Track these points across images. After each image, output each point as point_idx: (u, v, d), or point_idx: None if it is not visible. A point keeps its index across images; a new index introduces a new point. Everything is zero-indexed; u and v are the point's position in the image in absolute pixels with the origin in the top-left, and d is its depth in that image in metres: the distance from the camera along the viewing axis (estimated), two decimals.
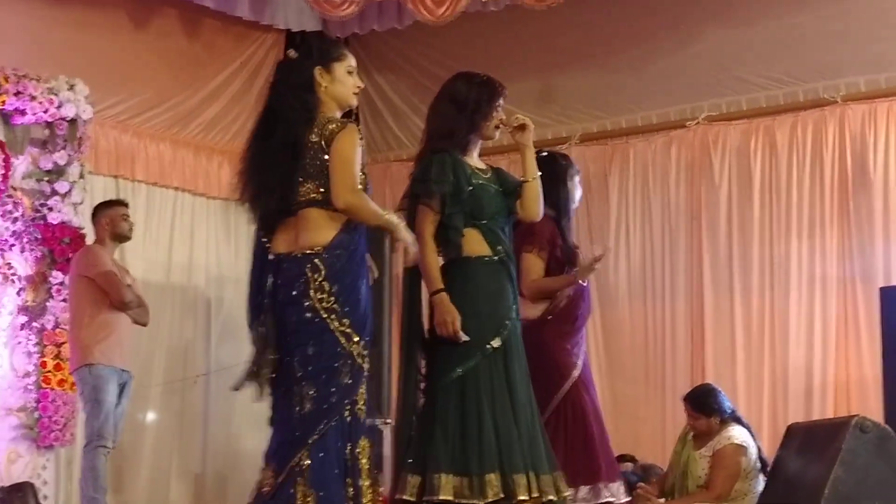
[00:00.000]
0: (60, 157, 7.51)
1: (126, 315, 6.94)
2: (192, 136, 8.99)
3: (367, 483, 4.39)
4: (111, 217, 7.07)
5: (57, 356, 7.30)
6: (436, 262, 4.85)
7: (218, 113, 9.13)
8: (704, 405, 6.47)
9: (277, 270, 4.39)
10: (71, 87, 7.59)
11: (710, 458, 6.36)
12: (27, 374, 7.32)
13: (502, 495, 4.63)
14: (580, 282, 5.89)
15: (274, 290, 4.37)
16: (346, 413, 4.33)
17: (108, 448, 6.77)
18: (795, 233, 8.04)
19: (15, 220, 7.40)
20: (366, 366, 4.38)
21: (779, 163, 8.18)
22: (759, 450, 6.41)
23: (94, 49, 8.32)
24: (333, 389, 4.30)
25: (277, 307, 4.37)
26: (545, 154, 6.30)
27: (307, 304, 4.29)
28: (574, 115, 9.03)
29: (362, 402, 4.41)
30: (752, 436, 6.43)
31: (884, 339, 7.10)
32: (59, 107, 7.49)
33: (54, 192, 7.48)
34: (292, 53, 4.58)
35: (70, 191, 7.54)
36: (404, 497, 4.70)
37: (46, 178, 7.51)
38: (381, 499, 4.52)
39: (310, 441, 4.26)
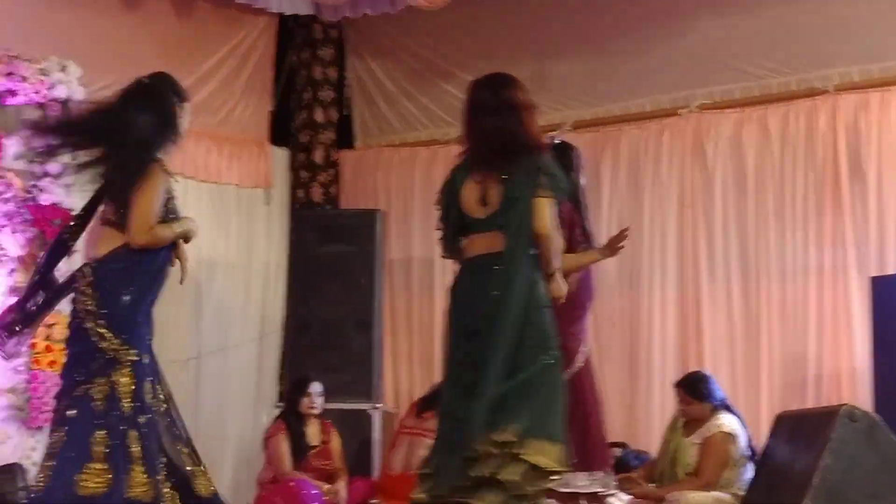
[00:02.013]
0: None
1: None
2: None
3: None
4: None
5: (47, 337, 7.27)
6: None
7: (207, 97, 9.08)
8: (697, 390, 6.50)
9: None
10: (63, 69, 7.55)
11: (700, 445, 6.38)
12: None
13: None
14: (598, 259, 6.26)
15: None
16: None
17: None
18: (789, 222, 8.02)
19: (6, 200, 7.37)
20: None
21: (772, 152, 8.16)
22: (749, 439, 6.44)
23: (85, 30, 8.28)
24: None
25: None
26: (559, 142, 6.37)
27: None
28: (567, 101, 9.00)
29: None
30: (743, 425, 6.45)
31: (874, 328, 7.11)
32: (50, 88, 7.46)
33: (46, 174, 7.44)
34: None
35: (61, 172, 7.50)
36: None
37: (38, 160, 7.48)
38: None
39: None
